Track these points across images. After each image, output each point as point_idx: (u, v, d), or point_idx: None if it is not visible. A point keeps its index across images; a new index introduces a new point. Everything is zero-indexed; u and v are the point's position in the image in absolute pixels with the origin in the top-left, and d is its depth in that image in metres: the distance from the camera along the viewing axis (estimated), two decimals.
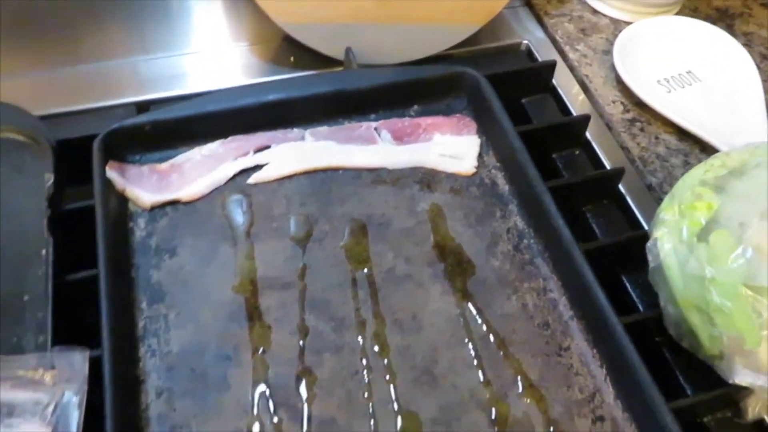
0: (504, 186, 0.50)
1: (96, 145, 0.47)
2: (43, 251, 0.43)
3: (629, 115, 0.60)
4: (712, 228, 0.41)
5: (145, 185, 0.47)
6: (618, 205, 0.54)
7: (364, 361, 0.41)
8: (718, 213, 0.41)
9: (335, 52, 0.60)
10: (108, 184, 0.46)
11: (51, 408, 0.36)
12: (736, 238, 0.39)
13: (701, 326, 0.40)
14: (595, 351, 0.42)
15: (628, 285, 0.50)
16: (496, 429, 0.39)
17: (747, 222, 0.39)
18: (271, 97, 0.51)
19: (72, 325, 0.42)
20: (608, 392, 0.41)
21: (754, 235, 0.38)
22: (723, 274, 0.38)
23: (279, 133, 0.51)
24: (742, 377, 0.39)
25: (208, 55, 0.62)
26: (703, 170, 0.45)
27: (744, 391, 0.42)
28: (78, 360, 0.38)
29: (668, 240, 0.43)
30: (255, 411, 0.39)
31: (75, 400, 0.37)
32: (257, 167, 0.49)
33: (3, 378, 0.37)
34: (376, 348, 0.42)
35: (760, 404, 0.43)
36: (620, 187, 0.55)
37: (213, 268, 0.44)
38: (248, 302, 0.43)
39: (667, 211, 0.44)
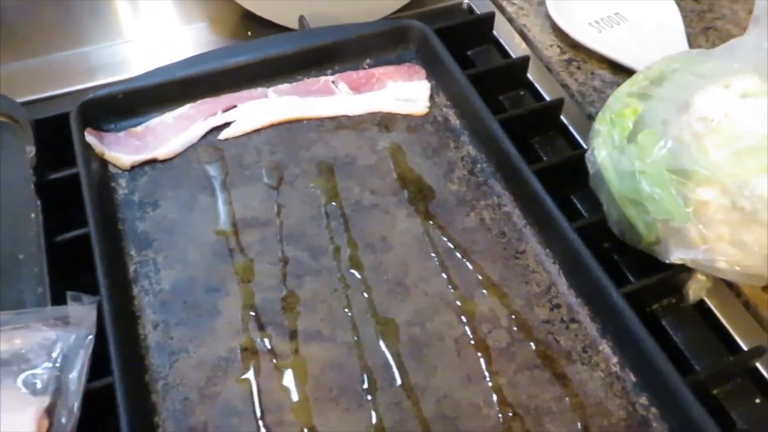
0: (455, 121, 0.54)
1: (73, 115, 0.50)
2: (33, 214, 0.47)
3: (566, 56, 0.65)
4: (639, 130, 0.46)
5: (123, 148, 0.50)
6: (562, 134, 0.59)
7: (342, 280, 0.45)
8: (644, 116, 0.46)
9: (289, 21, 0.64)
10: (88, 150, 0.49)
11: (59, 346, 0.39)
12: (660, 133, 0.44)
13: (637, 216, 0.45)
14: (547, 251, 0.47)
15: (576, 203, 0.54)
16: (465, 323, 0.43)
17: (668, 119, 0.44)
18: (234, 60, 0.55)
19: (68, 285, 0.45)
20: (562, 283, 0.45)
21: (674, 129, 0.43)
22: (650, 165, 0.43)
23: (244, 93, 0.55)
24: (676, 255, 0.44)
25: (172, 36, 0.65)
26: (629, 85, 0.50)
27: (684, 275, 0.47)
28: (86, 305, 0.41)
29: (603, 147, 0.48)
30: (246, 331, 0.42)
31: (82, 340, 0.40)
32: (226, 125, 0.53)
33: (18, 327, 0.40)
34: (352, 268, 0.46)
35: (699, 286, 0.48)
36: (563, 118, 0.59)
37: (195, 215, 0.48)
38: (230, 241, 0.47)
39: (601, 123, 0.49)
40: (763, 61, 0.42)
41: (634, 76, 0.50)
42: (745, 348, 0.46)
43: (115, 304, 0.41)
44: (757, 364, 0.44)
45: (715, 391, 0.44)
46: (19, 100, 0.54)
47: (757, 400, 0.44)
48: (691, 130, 0.42)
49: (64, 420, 0.37)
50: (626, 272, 0.50)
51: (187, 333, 0.42)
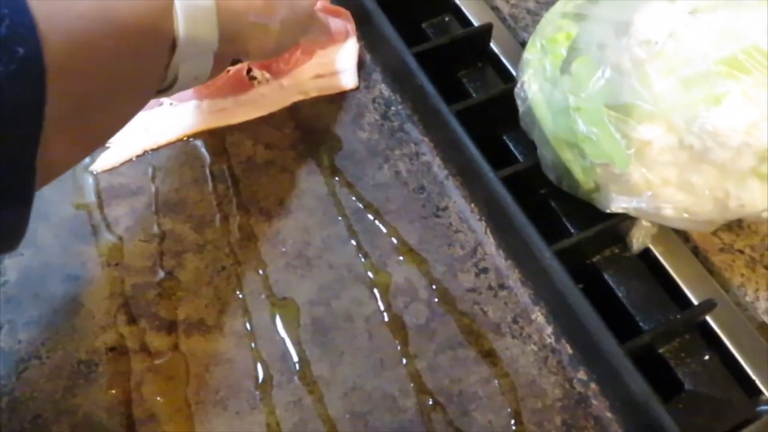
0: (365, 55, 0.46)
1: None
2: None
3: None
4: (574, 58, 0.39)
5: None
6: (493, 65, 0.52)
7: (231, 256, 0.38)
8: (578, 40, 0.39)
9: None
10: None
11: None
12: (596, 61, 0.37)
13: (574, 161, 0.39)
14: (472, 205, 0.40)
15: (509, 144, 0.48)
16: (378, 298, 0.37)
17: (605, 42, 0.37)
18: None
19: None
20: (489, 243, 0.39)
21: (611, 54, 0.36)
22: (585, 100, 0.37)
23: None
24: (617, 204, 0.38)
25: None
26: (563, 4, 0.42)
27: (627, 224, 0.42)
28: None
29: (534, 81, 0.41)
30: (113, 326, 0.35)
31: None
32: None
33: None
34: (243, 240, 0.38)
35: (644, 233, 0.42)
36: (493, 47, 0.52)
37: (46, 187, 0.39)
38: (94, 215, 0.38)
39: (531, 51, 0.42)
40: None
41: None
42: (692, 297, 0.41)
43: None
44: (707, 318, 0.40)
45: (660, 350, 0.39)
46: None
47: (706, 357, 0.39)
48: (631, 55, 0.35)
49: None
50: (565, 221, 0.44)
51: (39, 334, 0.35)
